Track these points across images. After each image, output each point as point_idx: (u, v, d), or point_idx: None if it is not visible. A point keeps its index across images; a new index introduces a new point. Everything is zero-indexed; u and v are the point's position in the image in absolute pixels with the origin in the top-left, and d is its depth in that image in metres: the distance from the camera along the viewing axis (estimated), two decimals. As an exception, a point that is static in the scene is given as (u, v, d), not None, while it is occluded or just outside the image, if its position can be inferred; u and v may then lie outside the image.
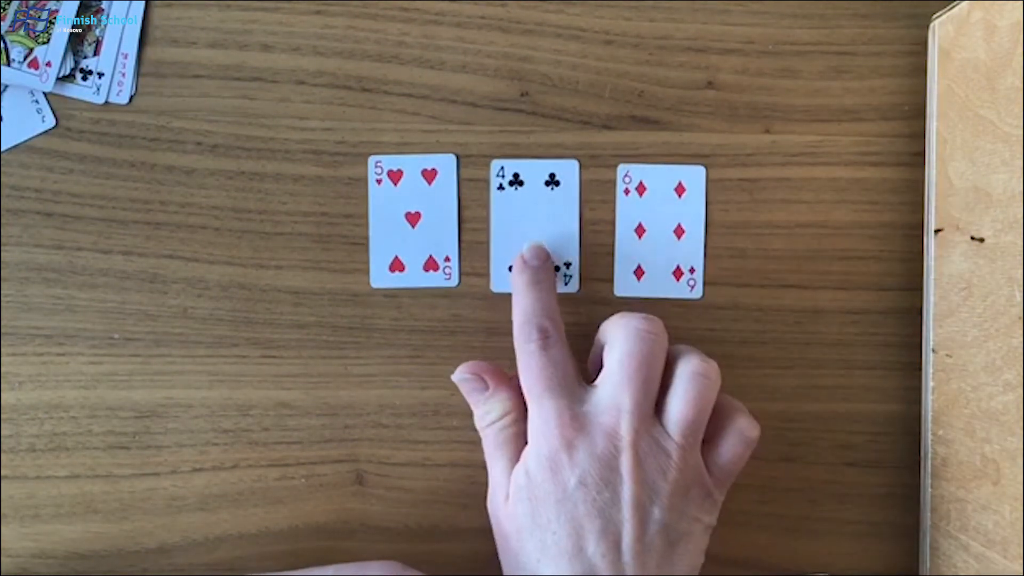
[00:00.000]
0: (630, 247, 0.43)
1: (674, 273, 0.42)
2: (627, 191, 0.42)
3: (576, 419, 0.35)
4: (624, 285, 0.43)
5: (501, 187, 0.42)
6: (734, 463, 0.37)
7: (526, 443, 0.37)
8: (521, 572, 0.35)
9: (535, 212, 0.43)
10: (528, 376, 0.37)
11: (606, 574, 0.33)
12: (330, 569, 0.36)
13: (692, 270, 0.43)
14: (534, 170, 0.43)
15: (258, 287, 0.43)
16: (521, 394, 0.38)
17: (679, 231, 0.43)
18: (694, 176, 0.43)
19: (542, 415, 0.36)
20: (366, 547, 0.43)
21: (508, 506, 0.36)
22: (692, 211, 0.43)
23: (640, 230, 0.43)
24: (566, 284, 0.43)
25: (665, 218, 0.43)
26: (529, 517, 0.35)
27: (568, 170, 0.43)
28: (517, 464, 0.36)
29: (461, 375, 0.39)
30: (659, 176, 0.43)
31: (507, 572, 0.36)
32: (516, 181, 0.42)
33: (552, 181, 0.42)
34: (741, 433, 0.37)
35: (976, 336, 0.38)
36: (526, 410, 0.37)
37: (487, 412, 0.38)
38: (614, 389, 0.35)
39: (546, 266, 0.40)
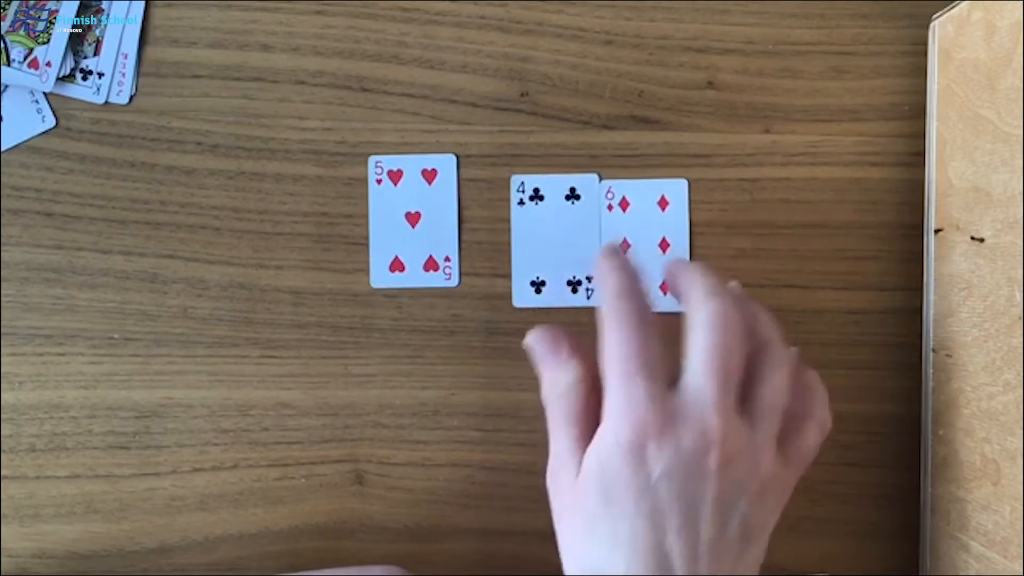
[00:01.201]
0: None
1: (661, 288, 0.42)
2: (610, 207, 0.42)
3: (666, 408, 0.32)
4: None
5: (522, 202, 0.42)
6: (810, 454, 0.35)
7: (597, 421, 0.34)
8: (587, 560, 0.33)
9: (556, 226, 0.43)
10: (620, 350, 0.33)
11: (681, 573, 0.32)
12: (330, 571, 0.36)
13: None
14: (554, 185, 0.43)
15: (258, 287, 0.43)
16: (594, 367, 0.35)
17: (664, 245, 0.43)
18: (677, 189, 0.43)
19: (630, 397, 0.32)
20: (366, 547, 0.43)
21: (578, 488, 0.33)
22: (676, 224, 0.43)
23: (624, 245, 0.43)
24: (588, 299, 0.43)
25: (649, 232, 0.43)
26: (602, 504, 0.32)
27: (588, 184, 0.43)
28: (590, 445, 0.33)
29: (535, 337, 0.36)
30: (641, 191, 0.43)
31: (568, 553, 0.34)
32: (536, 196, 0.42)
33: (572, 195, 0.42)
34: (821, 425, 0.35)
35: (976, 336, 0.38)
36: (598, 385, 0.34)
37: (557, 380, 0.35)
38: (702, 380, 0.33)
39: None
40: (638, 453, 0.32)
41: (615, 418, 0.33)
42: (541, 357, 0.36)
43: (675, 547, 0.32)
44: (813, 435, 0.35)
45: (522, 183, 0.42)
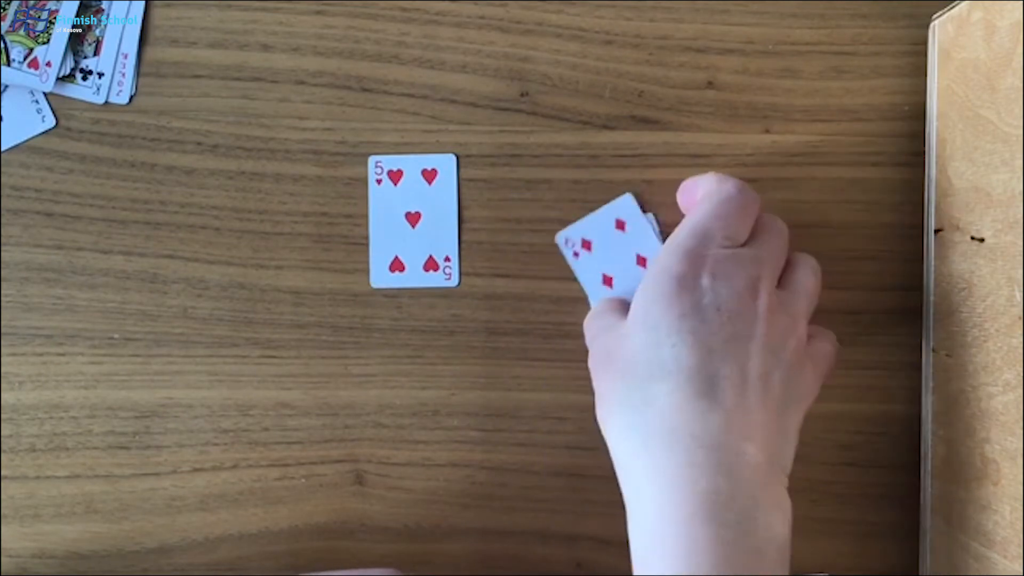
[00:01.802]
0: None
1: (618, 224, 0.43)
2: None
3: (722, 252, 0.34)
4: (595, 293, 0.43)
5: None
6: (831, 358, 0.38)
7: None
8: (628, 390, 0.33)
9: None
10: (709, 206, 0.36)
11: (729, 401, 0.32)
12: (327, 574, 0.35)
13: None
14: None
15: (258, 287, 0.43)
16: None
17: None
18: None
19: (693, 234, 0.35)
20: (366, 547, 0.43)
21: (622, 331, 0.35)
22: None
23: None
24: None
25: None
26: (646, 330, 0.33)
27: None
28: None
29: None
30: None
31: (608, 394, 0.35)
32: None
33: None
34: (832, 341, 0.38)
35: (976, 336, 0.38)
36: None
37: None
38: (756, 245, 0.35)
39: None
40: (690, 281, 0.33)
41: (667, 249, 0.34)
42: None
43: (722, 373, 0.32)
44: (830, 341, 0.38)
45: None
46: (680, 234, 0.35)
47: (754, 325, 0.33)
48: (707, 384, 0.32)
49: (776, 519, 0.32)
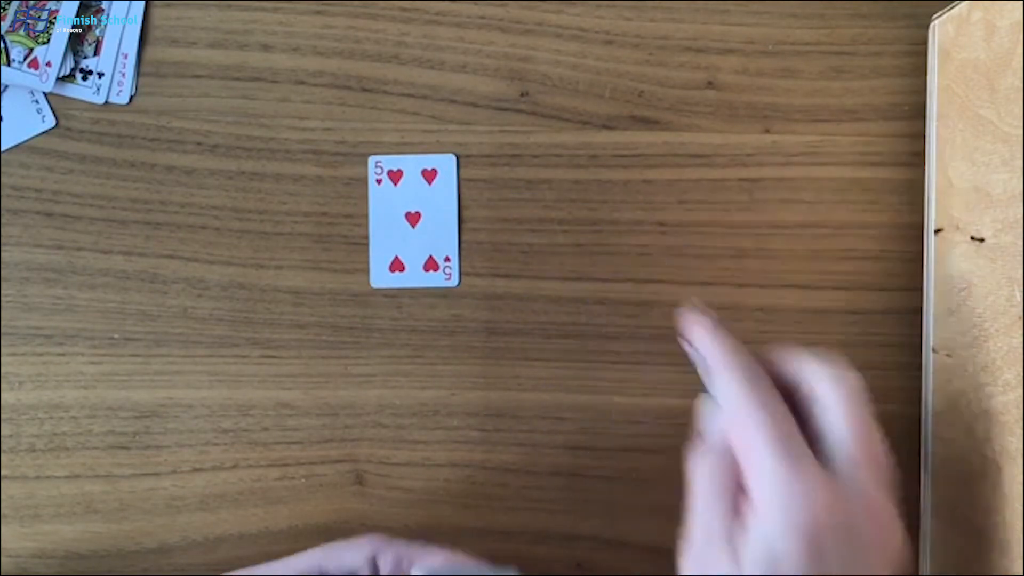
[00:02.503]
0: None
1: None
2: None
3: (835, 488, 0.30)
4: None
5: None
6: None
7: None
8: None
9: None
10: (768, 430, 0.31)
11: None
12: (316, 549, 0.35)
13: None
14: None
15: (258, 287, 0.43)
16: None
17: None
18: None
19: (795, 479, 0.30)
20: (366, 547, 0.43)
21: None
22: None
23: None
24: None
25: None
26: None
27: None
28: (752, 530, 0.30)
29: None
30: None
31: None
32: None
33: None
34: None
35: (976, 336, 0.38)
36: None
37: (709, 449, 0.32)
38: (855, 461, 0.32)
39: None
40: (815, 541, 0.29)
41: (782, 500, 0.29)
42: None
43: None
44: None
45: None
46: None
47: (869, 557, 0.30)
48: None
49: None
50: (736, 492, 0.31)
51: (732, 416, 0.31)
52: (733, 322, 0.43)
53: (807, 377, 0.33)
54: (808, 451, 0.30)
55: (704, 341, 0.33)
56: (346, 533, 0.43)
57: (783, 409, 0.31)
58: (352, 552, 0.35)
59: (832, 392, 0.32)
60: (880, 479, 0.31)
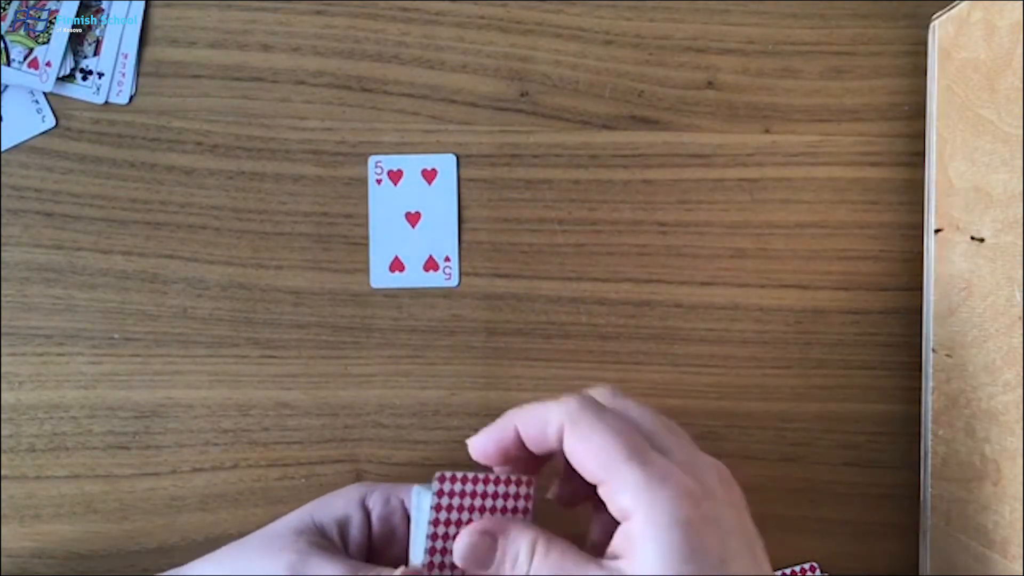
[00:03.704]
0: None
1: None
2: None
3: (687, 468, 0.30)
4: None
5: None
6: None
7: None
8: None
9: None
10: (610, 442, 0.30)
11: None
12: (302, 509, 0.35)
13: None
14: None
15: (258, 287, 0.43)
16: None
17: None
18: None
19: (655, 475, 0.29)
20: (366, 547, 0.43)
21: None
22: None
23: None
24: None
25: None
26: None
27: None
28: (637, 545, 0.29)
29: (464, 547, 0.31)
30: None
31: None
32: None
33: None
34: None
35: (976, 336, 0.38)
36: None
37: (517, 553, 0.31)
38: (647, 462, 0.30)
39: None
40: (690, 528, 0.29)
41: (646, 504, 0.29)
42: (483, 559, 0.31)
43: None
44: None
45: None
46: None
47: (742, 510, 0.31)
48: None
49: None
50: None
51: (577, 440, 0.30)
52: (733, 322, 0.43)
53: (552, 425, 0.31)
54: (654, 452, 0.30)
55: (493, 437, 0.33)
56: (346, 533, 0.43)
57: (619, 420, 0.30)
58: (342, 499, 0.36)
59: (621, 402, 0.32)
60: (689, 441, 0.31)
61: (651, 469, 0.29)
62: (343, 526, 0.35)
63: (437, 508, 0.32)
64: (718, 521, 0.29)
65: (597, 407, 0.31)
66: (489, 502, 0.33)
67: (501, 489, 0.33)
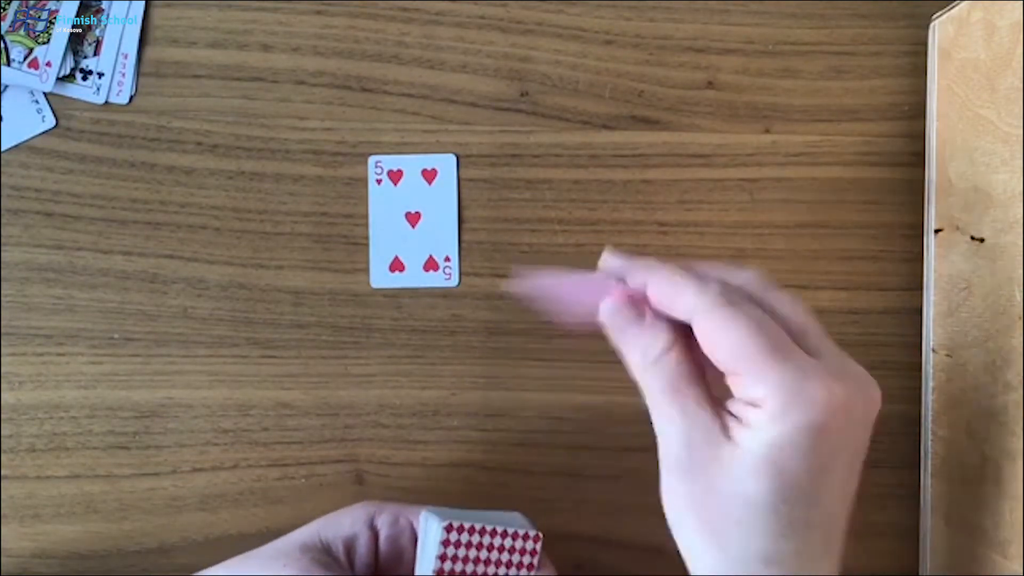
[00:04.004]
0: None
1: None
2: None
3: (830, 374, 0.28)
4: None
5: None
6: None
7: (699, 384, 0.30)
8: (742, 549, 0.29)
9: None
10: (752, 337, 0.28)
11: (838, 541, 0.30)
12: (309, 526, 0.35)
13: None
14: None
15: (258, 287, 0.43)
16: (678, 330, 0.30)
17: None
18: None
19: (792, 374, 0.28)
20: (366, 547, 0.43)
21: (737, 469, 0.28)
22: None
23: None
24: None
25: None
26: (777, 493, 0.28)
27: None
28: (749, 425, 0.28)
29: (610, 308, 0.31)
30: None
31: (711, 540, 0.30)
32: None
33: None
34: None
35: (976, 336, 0.38)
36: (687, 346, 0.30)
37: (651, 344, 0.30)
38: (783, 362, 0.28)
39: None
40: (824, 434, 0.28)
41: (782, 398, 0.28)
42: (623, 327, 0.31)
43: (840, 514, 0.30)
44: None
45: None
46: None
47: (859, 445, 0.30)
48: (829, 532, 0.31)
49: None
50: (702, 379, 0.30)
51: (712, 329, 0.29)
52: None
53: (739, 284, 0.31)
54: (799, 350, 0.29)
55: (654, 273, 0.31)
56: (346, 533, 0.43)
57: (760, 313, 0.29)
58: (349, 517, 0.35)
59: (774, 294, 0.31)
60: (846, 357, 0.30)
61: (795, 365, 0.28)
62: (350, 545, 0.35)
63: (443, 558, 0.32)
64: (837, 449, 0.28)
65: (738, 298, 0.29)
66: (495, 555, 0.33)
67: (508, 543, 0.33)
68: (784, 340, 0.29)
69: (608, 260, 0.33)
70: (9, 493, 0.42)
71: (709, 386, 0.30)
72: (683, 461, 0.30)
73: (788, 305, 0.31)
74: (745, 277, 0.31)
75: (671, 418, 0.30)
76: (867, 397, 0.29)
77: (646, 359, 0.30)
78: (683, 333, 0.30)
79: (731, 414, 0.29)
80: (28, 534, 0.42)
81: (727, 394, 0.30)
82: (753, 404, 0.28)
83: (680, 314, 0.30)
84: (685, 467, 0.30)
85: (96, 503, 0.42)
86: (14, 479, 0.42)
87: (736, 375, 0.29)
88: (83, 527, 0.42)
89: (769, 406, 0.28)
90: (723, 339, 0.29)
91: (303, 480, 0.43)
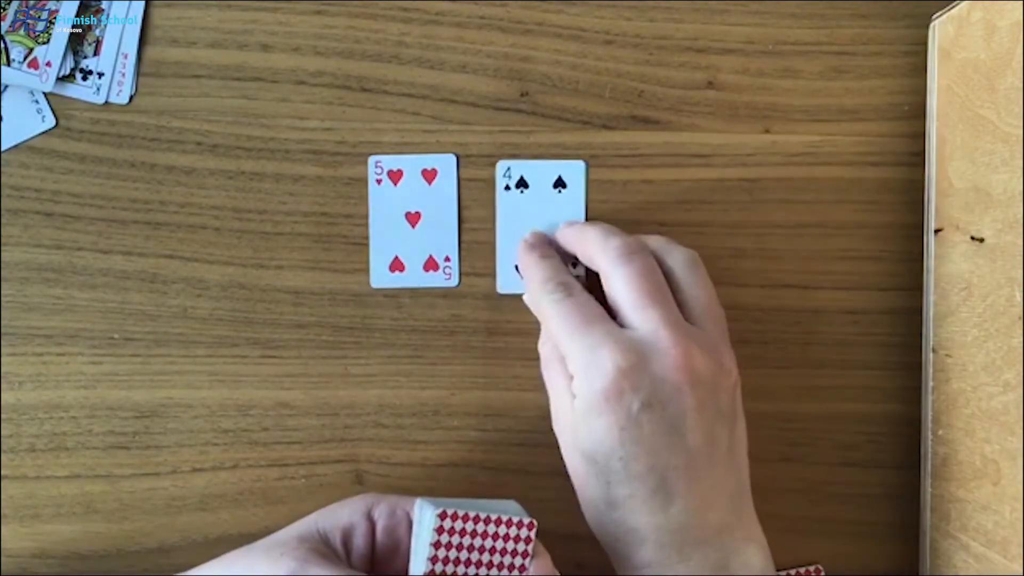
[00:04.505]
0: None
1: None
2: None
3: (628, 345, 0.34)
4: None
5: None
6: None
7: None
8: (591, 488, 0.35)
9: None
10: (562, 321, 0.36)
11: (682, 489, 0.34)
12: (307, 519, 0.36)
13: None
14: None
15: (258, 287, 0.43)
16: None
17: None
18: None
19: (589, 343, 0.35)
20: (366, 547, 0.43)
21: (569, 426, 0.36)
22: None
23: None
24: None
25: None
26: (591, 441, 0.35)
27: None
28: (569, 396, 0.36)
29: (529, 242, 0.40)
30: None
31: (576, 478, 0.37)
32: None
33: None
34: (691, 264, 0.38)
35: (976, 336, 0.38)
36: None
37: (551, 275, 0.38)
38: (642, 311, 0.35)
39: (551, 244, 0.41)
40: (616, 397, 0.34)
41: (584, 368, 0.34)
42: (527, 260, 0.39)
43: (670, 464, 0.34)
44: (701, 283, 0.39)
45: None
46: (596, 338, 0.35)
47: (684, 400, 0.34)
48: (659, 481, 0.34)
49: (751, 553, 0.36)
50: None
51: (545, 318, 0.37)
52: (733, 322, 0.43)
53: (661, 254, 0.38)
54: (606, 318, 0.36)
55: (523, 258, 0.40)
56: (346, 533, 0.43)
57: (585, 298, 0.37)
58: (347, 509, 0.36)
59: (683, 265, 0.38)
60: (664, 317, 0.35)
61: (605, 331, 0.35)
62: (347, 535, 0.35)
63: (437, 545, 0.32)
64: (650, 403, 0.34)
65: (634, 250, 0.37)
66: (489, 542, 0.33)
67: (502, 530, 0.33)
68: (592, 310, 0.36)
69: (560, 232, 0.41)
70: (9, 493, 0.42)
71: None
72: (554, 414, 0.38)
73: (672, 256, 0.38)
74: (651, 239, 0.39)
75: (551, 379, 0.38)
76: (664, 359, 0.34)
77: (545, 288, 0.37)
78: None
79: None
80: (28, 534, 0.42)
81: None
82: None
83: (586, 260, 0.39)
84: (554, 419, 0.38)
85: (96, 503, 0.42)
86: (14, 479, 0.42)
87: (616, 312, 0.36)
88: (83, 527, 0.42)
89: (576, 378, 0.35)
90: (614, 287, 0.36)
91: (303, 480, 0.43)
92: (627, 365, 0.34)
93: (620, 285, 0.36)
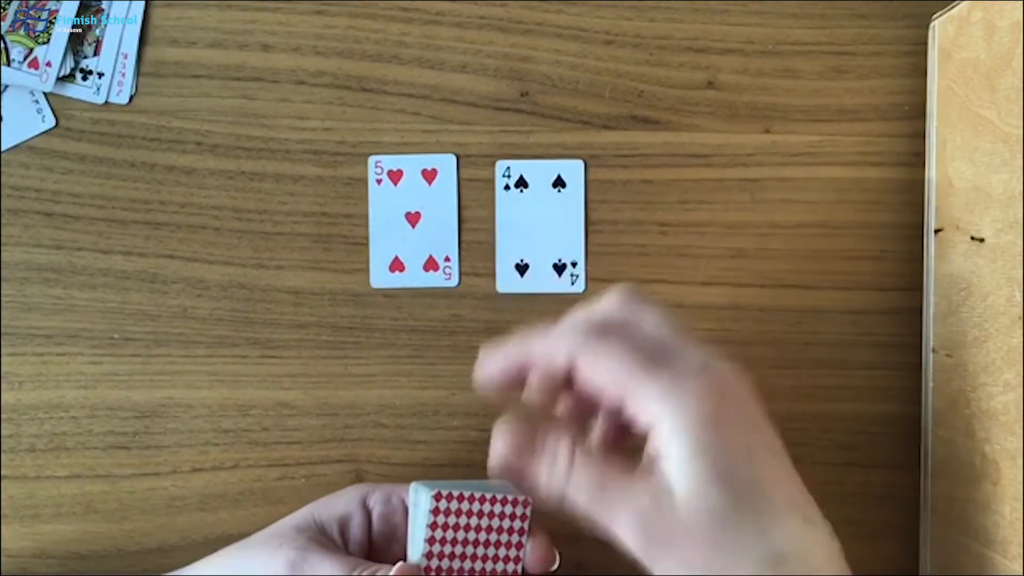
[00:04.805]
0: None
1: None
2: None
3: (704, 367, 0.29)
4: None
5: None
6: None
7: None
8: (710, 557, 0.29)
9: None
10: (618, 358, 0.29)
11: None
12: (303, 510, 0.36)
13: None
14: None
15: (258, 287, 0.43)
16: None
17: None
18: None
19: (671, 377, 0.29)
20: (366, 547, 0.43)
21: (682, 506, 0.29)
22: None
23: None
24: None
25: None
26: (718, 485, 0.29)
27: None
28: (667, 452, 0.28)
29: (501, 459, 0.31)
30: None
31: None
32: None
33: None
34: None
35: (976, 336, 0.38)
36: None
37: (556, 463, 0.30)
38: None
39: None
40: (719, 417, 0.29)
41: (675, 406, 0.28)
42: (524, 467, 0.31)
43: (769, 461, 0.31)
44: None
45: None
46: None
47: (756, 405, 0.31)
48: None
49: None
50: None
51: (591, 362, 0.30)
52: (733, 322, 0.43)
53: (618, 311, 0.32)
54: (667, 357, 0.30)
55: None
56: (346, 533, 0.43)
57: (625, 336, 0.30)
58: (343, 499, 0.36)
59: (637, 309, 0.31)
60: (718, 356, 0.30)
61: (670, 374, 0.29)
62: (344, 524, 0.35)
63: (433, 526, 0.32)
64: (741, 417, 0.30)
65: (602, 330, 0.30)
66: (485, 521, 0.33)
67: (498, 508, 0.33)
68: (653, 356, 0.29)
69: (489, 363, 0.32)
70: (9, 493, 0.42)
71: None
72: (646, 539, 0.30)
73: (649, 318, 0.31)
74: (608, 302, 0.32)
75: (612, 515, 0.30)
76: (736, 379, 0.30)
77: (560, 477, 0.30)
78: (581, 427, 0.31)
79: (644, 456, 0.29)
80: (28, 534, 0.42)
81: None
82: (652, 427, 0.28)
83: (562, 365, 0.30)
84: (651, 540, 0.30)
85: (96, 503, 0.42)
86: (14, 479, 0.42)
87: (627, 399, 0.29)
88: (83, 527, 0.42)
89: (664, 423, 0.28)
90: (602, 371, 0.29)
91: (303, 480, 0.43)
92: (716, 388, 0.29)
93: (612, 362, 0.30)
